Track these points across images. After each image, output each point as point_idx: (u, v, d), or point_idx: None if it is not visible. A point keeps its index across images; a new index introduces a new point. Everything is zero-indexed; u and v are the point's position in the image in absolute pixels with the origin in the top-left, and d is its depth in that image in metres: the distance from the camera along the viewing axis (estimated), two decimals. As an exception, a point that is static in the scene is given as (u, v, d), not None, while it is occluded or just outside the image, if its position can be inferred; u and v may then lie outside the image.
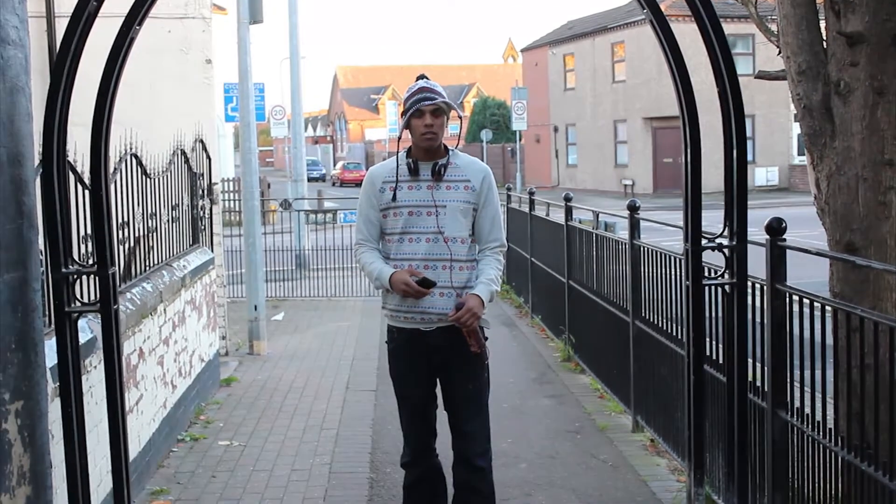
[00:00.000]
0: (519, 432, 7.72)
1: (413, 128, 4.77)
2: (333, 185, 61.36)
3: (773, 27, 5.93)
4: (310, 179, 63.37)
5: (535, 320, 12.71)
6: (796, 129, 39.26)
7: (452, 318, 4.62)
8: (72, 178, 4.89)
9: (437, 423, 5.03)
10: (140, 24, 4.55)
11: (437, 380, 4.93)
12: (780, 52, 5.67)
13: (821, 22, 5.43)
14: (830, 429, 4.51)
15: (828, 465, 4.47)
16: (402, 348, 4.88)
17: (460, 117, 4.99)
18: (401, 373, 4.94)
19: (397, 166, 4.82)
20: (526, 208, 13.31)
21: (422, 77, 4.88)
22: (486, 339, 4.82)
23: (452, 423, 4.91)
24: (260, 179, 15.10)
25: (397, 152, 4.87)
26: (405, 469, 5.07)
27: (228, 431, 7.97)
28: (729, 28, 4.45)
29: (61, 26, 4.40)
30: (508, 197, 15.44)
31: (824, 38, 5.37)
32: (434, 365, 4.85)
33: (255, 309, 11.22)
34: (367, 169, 70.44)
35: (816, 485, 4.59)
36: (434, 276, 4.69)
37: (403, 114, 4.81)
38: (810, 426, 4.61)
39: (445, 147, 4.86)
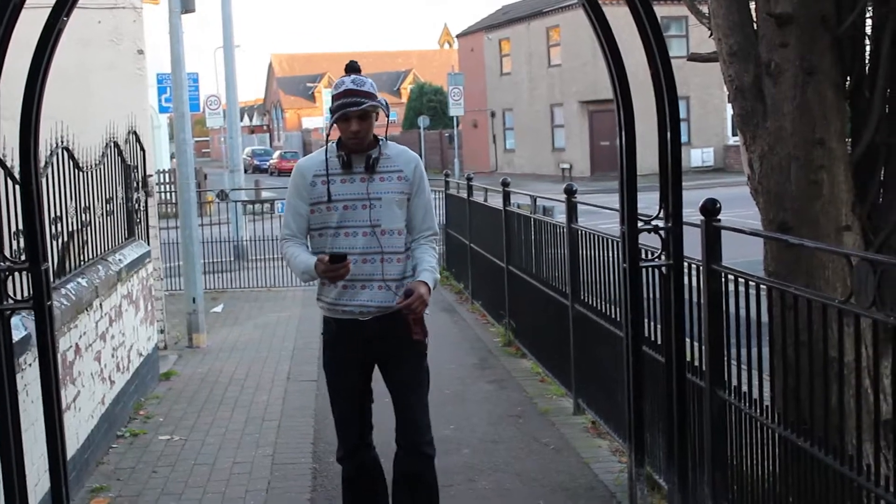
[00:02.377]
0: (461, 418, 7.74)
1: (341, 129, 4.68)
2: (271, 174, 60.95)
3: (705, 9, 5.98)
4: (260, 170, 63.14)
5: (475, 306, 12.74)
6: (730, 110, 39.49)
7: (402, 306, 4.53)
8: (1, 172, 4.80)
9: (372, 417, 4.96)
10: (68, 14, 4.47)
11: (376, 371, 4.88)
12: (711, 34, 5.72)
13: (751, 3, 5.48)
14: (767, 406, 4.56)
15: (765, 442, 4.53)
16: (339, 339, 4.80)
17: (388, 117, 4.89)
18: (336, 364, 4.86)
19: (326, 159, 4.72)
20: (464, 194, 13.32)
21: (351, 69, 4.73)
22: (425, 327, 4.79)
23: (396, 412, 4.84)
24: (196, 170, 14.93)
25: (326, 144, 4.76)
26: (341, 464, 4.99)
27: (169, 426, 7.90)
28: (662, 10, 4.45)
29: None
30: (447, 183, 15.44)
31: (755, 19, 5.42)
32: (373, 355, 4.80)
33: (194, 301, 11.12)
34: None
35: (755, 462, 4.65)
36: (371, 269, 4.65)
37: (331, 112, 4.70)
38: (748, 404, 4.66)
39: (375, 137, 4.77)
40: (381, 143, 4.78)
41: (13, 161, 4.75)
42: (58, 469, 4.66)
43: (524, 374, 9.19)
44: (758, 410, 4.58)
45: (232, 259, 17.44)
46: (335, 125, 4.67)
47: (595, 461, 6.68)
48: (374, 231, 4.67)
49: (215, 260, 16.12)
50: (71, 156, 6.87)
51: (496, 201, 11.23)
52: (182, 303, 11.76)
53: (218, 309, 13.65)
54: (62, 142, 6.59)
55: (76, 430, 6.34)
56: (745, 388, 4.70)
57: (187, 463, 6.96)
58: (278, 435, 7.55)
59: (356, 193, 4.67)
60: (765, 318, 4.61)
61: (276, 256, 16.25)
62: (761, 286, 4.55)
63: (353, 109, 4.57)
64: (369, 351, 4.78)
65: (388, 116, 4.84)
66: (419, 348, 4.79)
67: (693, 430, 5.17)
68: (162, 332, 10.70)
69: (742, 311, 4.68)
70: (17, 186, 4.71)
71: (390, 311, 4.65)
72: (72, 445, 5.99)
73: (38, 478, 5.36)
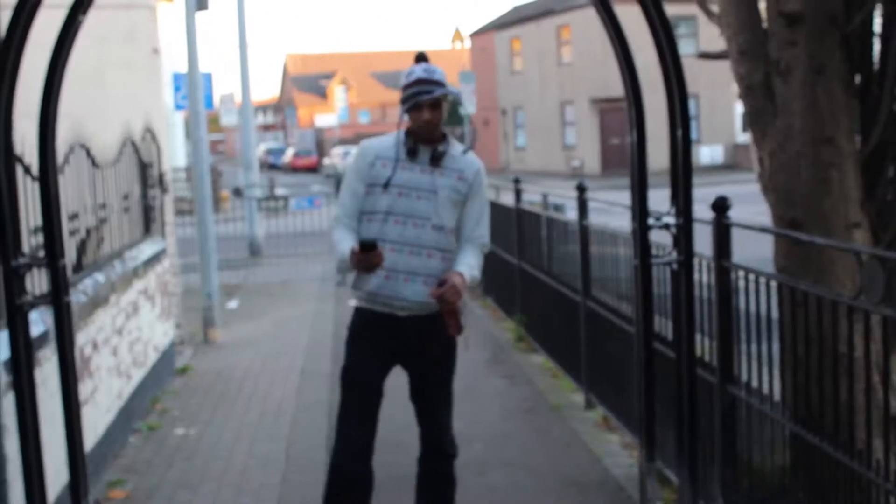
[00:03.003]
0: (473, 413, 7.78)
1: (412, 119, 4.59)
2: (285, 171, 60.99)
3: (715, 8, 6.01)
4: (274, 167, 63.20)
5: (487, 301, 12.78)
6: (739, 107, 39.41)
7: (434, 295, 4.41)
8: (20, 170, 4.86)
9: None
10: (85, 13, 4.51)
11: (404, 369, 4.74)
12: (721, 33, 5.75)
13: (761, 2, 5.51)
14: (777, 402, 4.60)
15: (775, 437, 4.56)
16: (371, 332, 4.63)
17: (460, 104, 4.79)
18: (362, 358, 4.65)
19: (397, 145, 4.62)
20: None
21: (421, 59, 4.65)
22: (464, 326, 4.64)
23: (422, 411, 4.77)
24: (211, 168, 15.01)
25: (398, 136, 4.64)
26: (337, 466, 4.62)
27: (185, 420, 7.97)
28: (672, 9, 4.47)
29: (4, 17, 4.34)
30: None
31: (764, 18, 5.45)
32: (402, 354, 4.67)
33: (209, 297, 11.19)
34: (318, 155, 70.46)
35: (765, 457, 4.69)
36: (418, 263, 4.52)
37: (402, 101, 4.60)
38: (758, 400, 4.70)
39: (443, 133, 4.69)
40: (448, 139, 4.70)
41: (31, 158, 4.81)
42: (76, 462, 4.71)
43: (536, 369, 9.23)
44: (768, 406, 4.62)
45: (247, 255, 17.52)
46: (407, 115, 4.60)
47: (606, 456, 6.72)
48: (426, 224, 4.55)
49: (230, 256, 16.21)
50: (88, 153, 6.94)
51: (508, 199, 11.26)
52: (197, 299, 11.82)
53: (233, 305, 13.72)
54: (79, 140, 6.66)
55: (94, 424, 6.40)
56: (755, 383, 4.73)
57: (203, 456, 7.02)
58: (292, 429, 7.61)
59: (416, 183, 4.57)
60: (775, 314, 4.65)
61: (290, 252, 16.32)
62: (771, 282, 4.59)
63: (426, 98, 4.50)
64: (400, 349, 4.65)
65: (460, 105, 4.72)
66: (452, 349, 4.71)
67: (703, 425, 5.20)
68: (178, 327, 10.75)
69: (752, 308, 4.72)
70: (36, 183, 4.77)
71: (430, 311, 4.54)
72: (89, 439, 6.04)
73: (56, 471, 5.42)
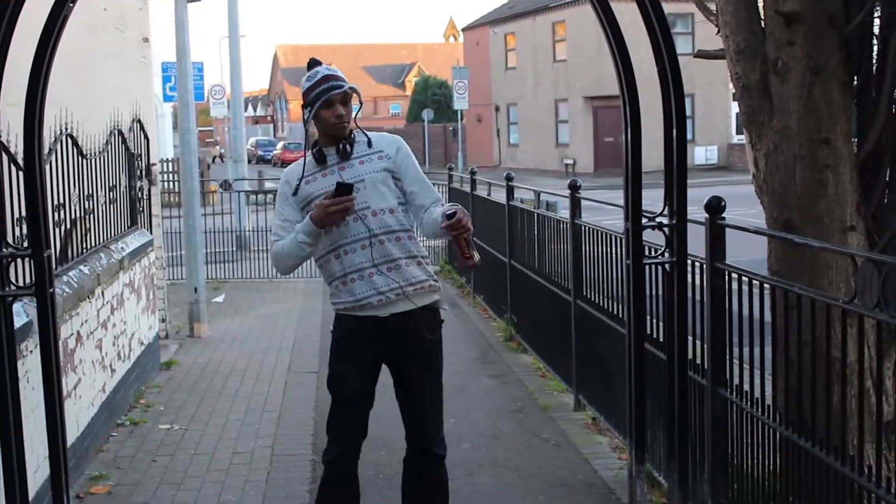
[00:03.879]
0: (461, 412, 7.73)
1: (322, 119, 4.51)
2: (274, 165, 60.91)
3: (712, 6, 5.97)
4: (265, 161, 63.11)
5: (477, 300, 12.73)
6: (735, 108, 39.75)
7: (448, 225, 4.33)
8: (5, 159, 4.79)
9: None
10: (74, 1, 4.45)
11: (389, 371, 4.67)
12: (718, 32, 5.71)
13: (759, 1, 5.47)
14: (769, 405, 4.56)
15: (766, 440, 4.53)
16: (354, 336, 4.57)
17: (361, 101, 4.74)
18: (344, 364, 4.60)
19: (304, 163, 4.58)
20: (468, 188, 13.30)
21: (315, 63, 4.62)
22: (443, 321, 4.67)
23: (409, 412, 4.66)
24: (199, 160, 14.93)
25: (305, 154, 4.61)
26: (327, 466, 4.64)
27: (169, 415, 7.90)
28: (668, 7, 4.42)
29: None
30: (450, 177, 15.43)
31: (762, 17, 5.41)
32: (387, 355, 4.59)
33: (196, 291, 11.11)
34: (307, 149, 69.59)
35: (755, 461, 4.65)
36: (373, 254, 4.45)
37: (306, 105, 4.52)
38: (749, 403, 4.66)
39: (350, 130, 4.60)
40: (355, 133, 4.63)
41: (17, 147, 4.74)
42: (58, 456, 4.66)
43: (525, 369, 9.19)
44: (759, 409, 4.58)
45: (234, 249, 17.43)
46: (316, 116, 4.51)
47: (595, 457, 6.67)
48: (366, 214, 4.47)
49: (217, 250, 16.10)
50: (75, 143, 6.86)
51: (499, 196, 11.21)
52: (184, 292, 11.76)
53: (219, 299, 13.64)
54: (66, 129, 6.58)
55: (76, 418, 6.34)
56: (746, 386, 4.70)
57: (187, 453, 6.95)
58: (278, 426, 7.54)
59: (332, 184, 4.45)
60: (767, 317, 4.61)
61: (278, 247, 16.25)
62: (765, 285, 4.55)
63: (337, 92, 4.46)
64: (385, 350, 4.58)
65: (360, 103, 4.70)
66: (436, 347, 4.64)
67: (694, 428, 5.17)
68: (163, 321, 10.70)
69: (745, 310, 4.68)
70: (21, 173, 4.71)
71: (409, 307, 4.50)
72: (72, 433, 5.98)
73: (37, 464, 5.36)
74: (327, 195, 4.37)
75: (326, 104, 4.48)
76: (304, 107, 4.56)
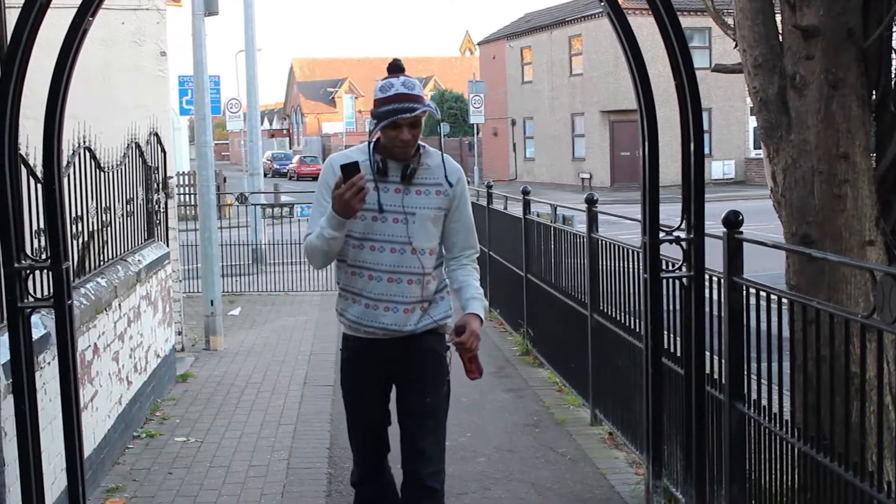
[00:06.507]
0: (478, 426, 7.72)
1: (387, 136, 4.18)
2: (290, 178, 61.03)
3: (730, 20, 5.95)
4: (280, 174, 63.20)
5: (493, 314, 12.71)
6: (752, 122, 39.72)
7: (456, 343, 4.17)
8: (24, 171, 4.81)
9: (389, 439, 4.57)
10: (93, 15, 4.47)
11: (394, 392, 4.53)
12: (736, 46, 5.69)
13: (777, 15, 5.45)
14: (787, 420, 4.53)
15: (784, 456, 4.50)
16: (360, 358, 4.43)
17: (440, 122, 4.44)
18: (354, 385, 4.49)
19: (369, 159, 4.21)
20: (484, 202, 13.29)
21: (395, 68, 4.21)
22: (449, 347, 4.44)
23: (405, 438, 4.39)
24: (216, 173, 14.97)
25: (370, 144, 4.27)
26: (355, 488, 4.57)
27: (185, 427, 7.90)
28: (686, 21, 4.42)
29: (12, 18, 4.31)
30: (466, 190, 15.40)
31: (780, 31, 5.40)
32: (391, 376, 4.43)
33: (212, 304, 11.14)
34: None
35: (773, 476, 4.62)
36: (398, 291, 4.23)
37: (375, 117, 4.16)
38: (767, 418, 4.63)
39: (417, 147, 4.28)
40: (421, 150, 4.30)
41: (36, 160, 4.76)
42: (75, 468, 4.66)
43: (541, 383, 9.17)
44: (777, 425, 4.55)
45: (250, 262, 17.47)
46: (381, 130, 4.19)
47: (612, 472, 6.65)
48: (406, 249, 4.22)
49: (233, 263, 16.16)
50: (93, 156, 6.89)
51: (516, 209, 11.20)
52: (200, 305, 11.79)
53: (235, 312, 13.67)
54: (84, 142, 6.62)
55: (93, 430, 6.35)
56: (764, 402, 4.67)
57: (203, 465, 6.96)
58: (294, 439, 7.54)
59: (389, 205, 4.21)
60: (786, 332, 4.59)
61: (293, 261, 16.28)
62: (783, 300, 4.53)
63: (406, 116, 4.09)
64: (389, 371, 4.41)
65: (439, 122, 4.39)
66: (439, 372, 4.41)
67: (711, 443, 5.14)
68: (179, 333, 10.72)
69: (763, 325, 4.65)
70: (40, 185, 4.73)
71: (414, 332, 4.31)
72: (88, 445, 5.99)
73: (54, 476, 5.37)
74: (340, 194, 4.00)
75: (393, 126, 4.13)
76: (372, 115, 4.23)
